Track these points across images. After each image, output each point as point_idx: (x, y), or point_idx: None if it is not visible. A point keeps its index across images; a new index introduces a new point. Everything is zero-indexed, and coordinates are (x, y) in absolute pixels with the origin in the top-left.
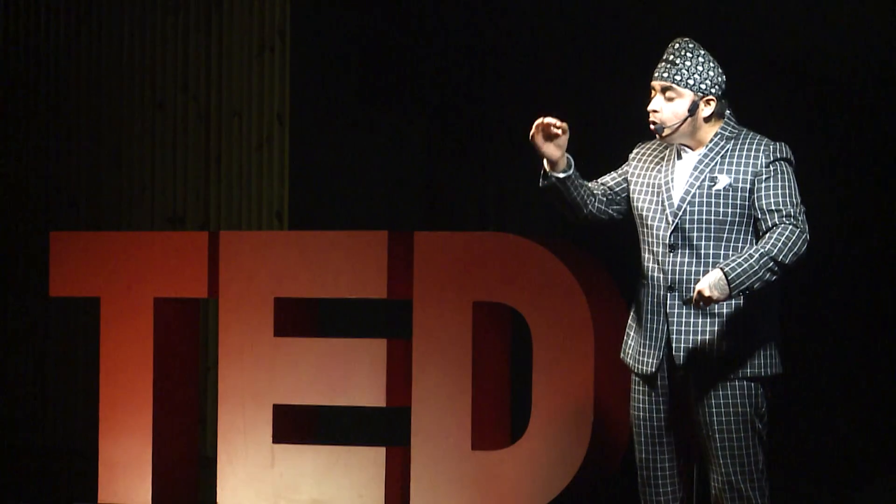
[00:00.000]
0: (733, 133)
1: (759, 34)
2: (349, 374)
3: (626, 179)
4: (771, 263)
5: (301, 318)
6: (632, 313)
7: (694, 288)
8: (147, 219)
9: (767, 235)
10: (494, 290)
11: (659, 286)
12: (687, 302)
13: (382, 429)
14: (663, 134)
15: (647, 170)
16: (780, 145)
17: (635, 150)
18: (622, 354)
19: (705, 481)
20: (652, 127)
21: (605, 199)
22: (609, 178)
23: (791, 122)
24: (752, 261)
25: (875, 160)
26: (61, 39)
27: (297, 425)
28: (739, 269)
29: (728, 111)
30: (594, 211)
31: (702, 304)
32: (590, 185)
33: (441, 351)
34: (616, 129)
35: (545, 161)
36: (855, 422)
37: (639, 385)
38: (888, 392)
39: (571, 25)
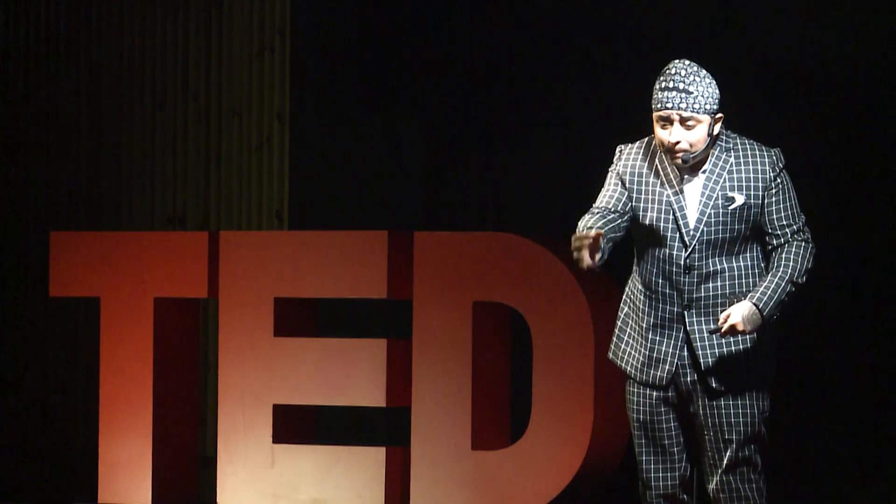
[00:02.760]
0: (729, 143)
1: (758, 37)
2: (349, 374)
3: (623, 188)
4: (791, 287)
5: (301, 318)
6: (624, 317)
7: (720, 318)
8: (147, 219)
9: (783, 256)
10: (494, 290)
11: (672, 303)
12: (713, 331)
13: (382, 429)
14: (690, 162)
15: (645, 177)
16: (778, 153)
17: (622, 157)
18: (611, 355)
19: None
20: (679, 157)
21: (619, 226)
22: (609, 201)
23: (789, 122)
24: (778, 290)
25: (872, 159)
26: (61, 39)
27: (297, 425)
28: (771, 302)
29: None
30: (618, 241)
31: (729, 335)
32: (607, 225)
33: (441, 351)
34: (615, 130)
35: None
36: (854, 422)
37: (642, 389)
38: (887, 392)
39: (570, 26)
